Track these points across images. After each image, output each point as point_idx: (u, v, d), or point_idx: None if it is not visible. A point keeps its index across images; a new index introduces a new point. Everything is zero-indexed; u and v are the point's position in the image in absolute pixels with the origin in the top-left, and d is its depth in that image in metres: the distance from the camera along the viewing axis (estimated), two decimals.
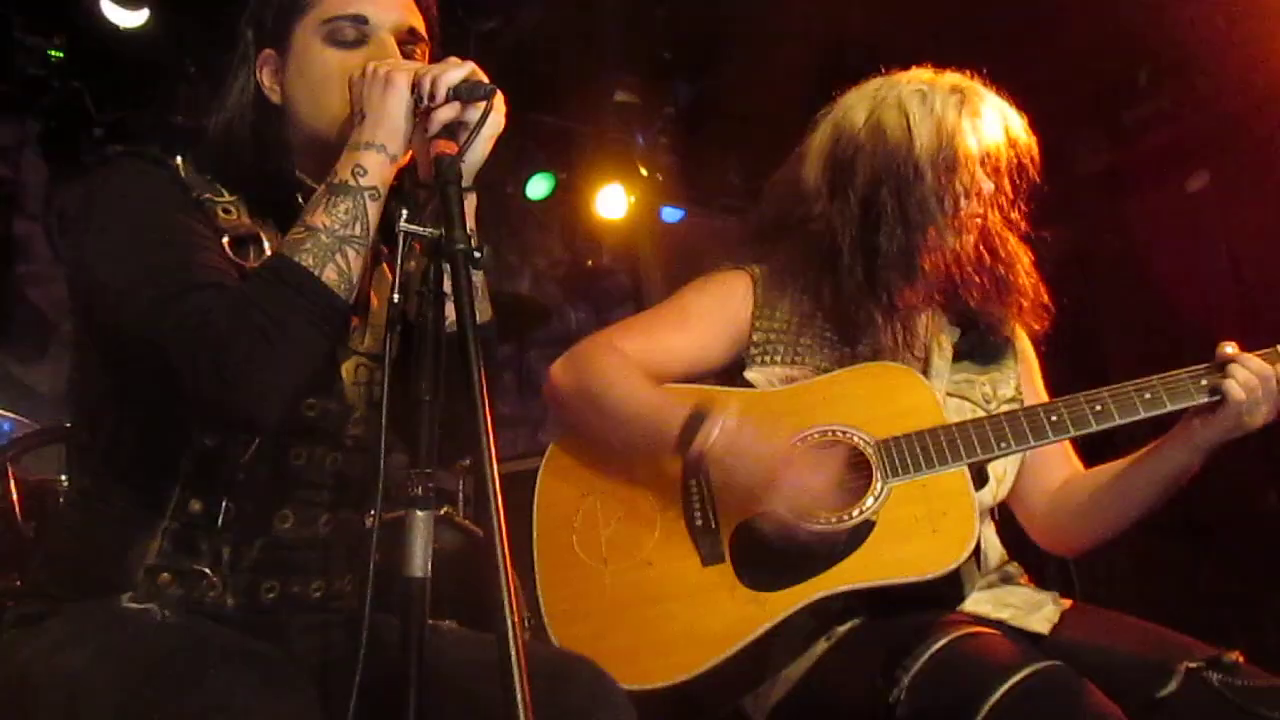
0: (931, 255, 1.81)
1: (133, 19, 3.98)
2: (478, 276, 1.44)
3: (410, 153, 1.42)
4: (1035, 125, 1.89)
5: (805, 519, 1.65)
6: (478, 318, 1.38)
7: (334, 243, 1.31)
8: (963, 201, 1.80)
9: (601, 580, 1.77)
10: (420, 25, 1.52)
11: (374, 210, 1.35)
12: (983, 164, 1.81)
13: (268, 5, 1.50)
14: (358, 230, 1.32)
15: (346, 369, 1.48)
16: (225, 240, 1.39)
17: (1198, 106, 4.17)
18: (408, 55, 1.48)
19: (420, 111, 1.36)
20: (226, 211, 1.42)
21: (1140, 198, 4.45)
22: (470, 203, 1.37)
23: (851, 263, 1.82)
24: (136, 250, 1.33)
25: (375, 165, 1.34)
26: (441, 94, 1.34)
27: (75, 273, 1.43)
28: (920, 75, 1.89)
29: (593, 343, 1.87)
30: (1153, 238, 4.35)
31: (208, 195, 1.42)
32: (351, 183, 1.33)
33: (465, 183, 1.35)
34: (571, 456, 1.88)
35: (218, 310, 1.25)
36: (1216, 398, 1.68)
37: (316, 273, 1.29)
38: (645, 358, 1.84)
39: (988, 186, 1.81)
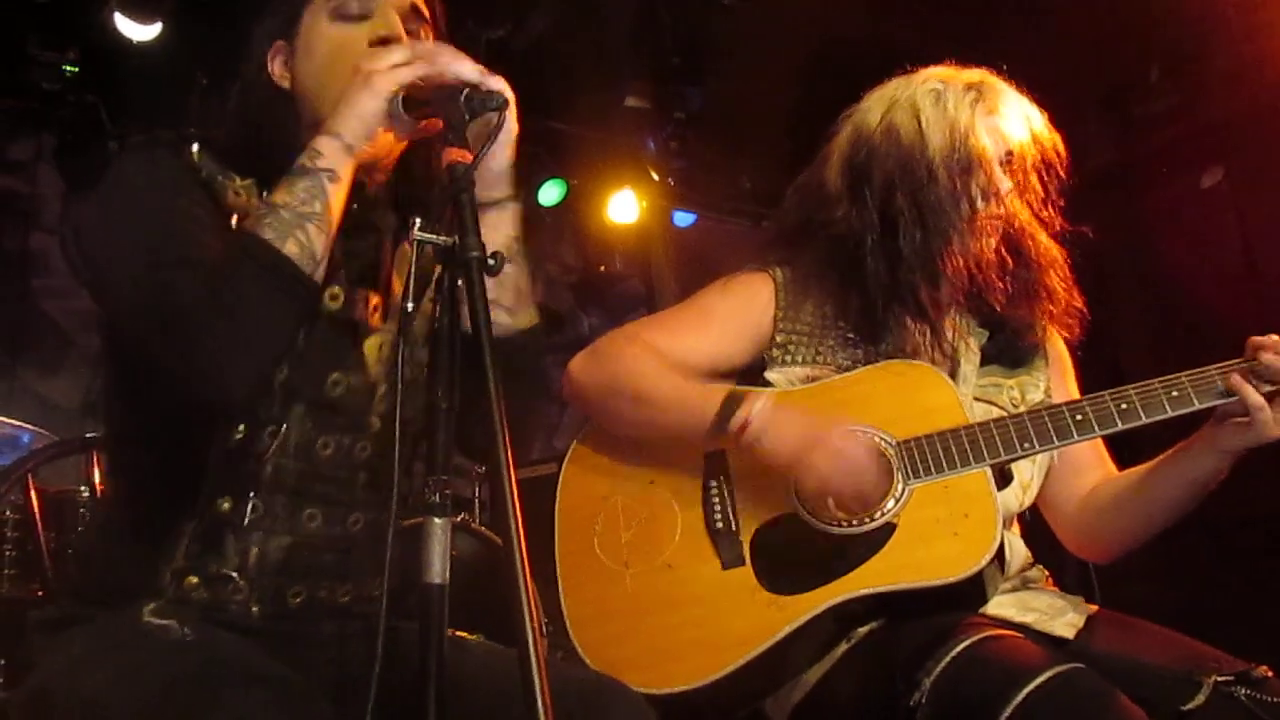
0: (953, 258, 1.78)
1: (146, 33, 4.01)
2: (522, 280, 1.46)
3: (392, 152, 1.44)
4: (1047, 118, 1.88)
5: (840, 496, 1.62)
6: (524, 322, 1.39)
7: (294, 218, 1.31)
8: (980, 203, 1.78)
9: (623, 583, 1.77)
10: (423, 6, 1.54)
11: (334, 191, 1.35)
12: (1001, 164, 1.79)
13: (276, 2, 1.54)
14: (317, 208, 1.33)
15: (369, 346, 1.48)
16: (234, 219, 1.40)
17: (1210, 101, 4.14)
18: (411, 34, 1.49)
19: (426, 114, 1.36)
20: (237, 194, 1.44)
21: (1153, 193, 4.42)
22: (513, 213, 1.39)
23: (875, 267, 1.80)
24: (124, 228, 1.36)
25: (329, 150, 1.35)
26: (466, 74, 1.34)
27: (81, 258, 1.47)
28: (936, 73, 1.86)
29: (616, 338, 1.87)
30: (1166, 233, 4.32)
31: (220, 178, 1.44)
32: (309, 165, 1.35)
33: (503, 191, 1.40)
34: (593, 459, 1.88)
35: (181, 283, 1.26)
36: (1234, 398, 1.63)
37: (277, 246, 1.30)
38: (666, 355, 1.83)
39: (1006, 186, 1.79)
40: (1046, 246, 1.84)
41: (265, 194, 1.44)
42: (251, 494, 1.39)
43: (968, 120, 1.77)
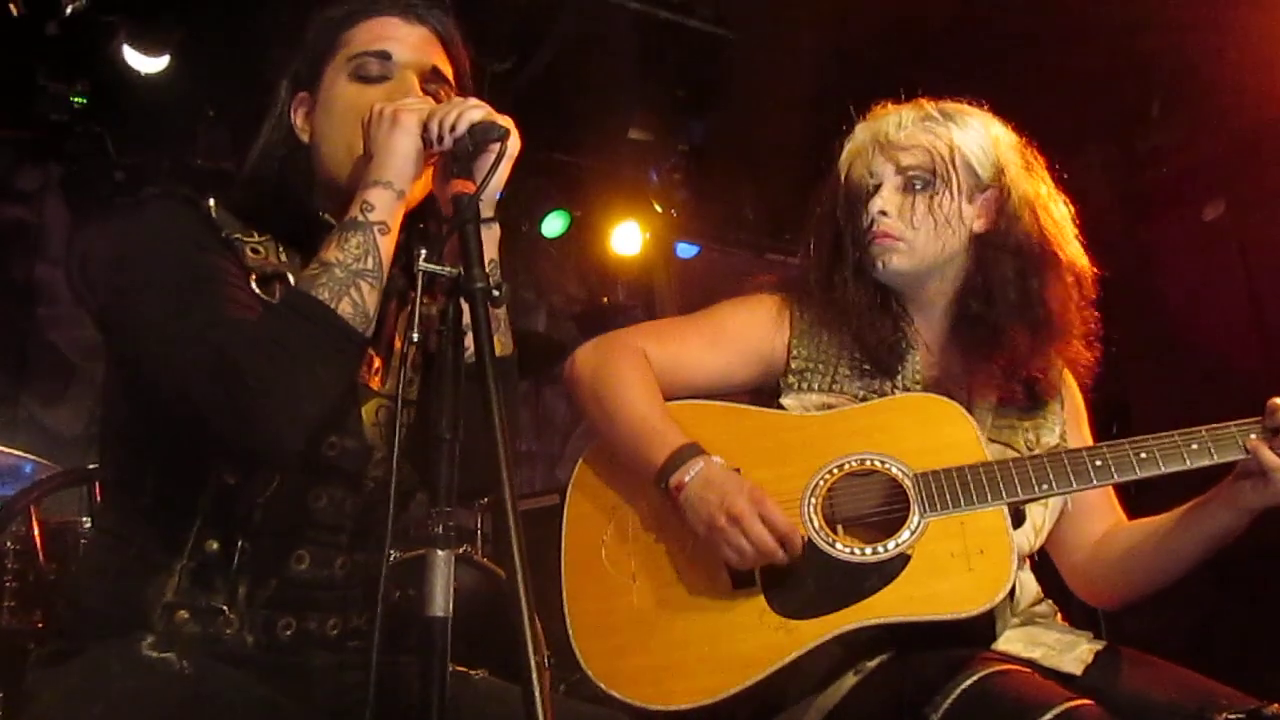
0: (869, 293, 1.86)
1: (154, 65, 4.05)
2: (499, 309, 1.45)
3: (427, 189, 1.44)
4: (1048, 153, 1.88)
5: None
6: (498, 350, 1.37)
7: (348, 276, 1.32)
8: (864, 237, 1.84)
9: (629, 596, 1.76)
10: (446, 68, 1.54)
11: (385, 244, 1.36)
12: (868, 195, 1.84)
13: (303, 52, 1.54)
14: (370, 264, 1.34)
15: (367, 410, 1.48)
16: (252, 278, 1.40)
17: (1212, 135, 4.16)
18: (431, 94, 1.49)
19: (434, 151, 1.38)
20: (255, 251, 1.44)
21: (1155, 226, 4.43)
22: (494, 234, 1.38)
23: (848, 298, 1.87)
24: (163, 288, 1.35)
25: (382, 201, 1.36)
26: (462, 129, 1.35)
27: (105, 309, 1.45)
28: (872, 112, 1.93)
29: (620, 339, 1.87)
30: (1169, 266, 4.33)
31: (238, 235, 1.43)
32: (360, 219, 1.35)
33: (487, 214, 1.37)
34: (603, 469, 1.86)
35: (234, 344, 1.26)
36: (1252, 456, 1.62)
37: (332, 305, 1.30)
38: (670, 366, 1.84)
39: (875, 209, 1.82)
40: (1032, 282, 1.80)
41: (281, 249, 1.46)
42: (240, 539, 1.38)
43: (845, 156, 1.89)
